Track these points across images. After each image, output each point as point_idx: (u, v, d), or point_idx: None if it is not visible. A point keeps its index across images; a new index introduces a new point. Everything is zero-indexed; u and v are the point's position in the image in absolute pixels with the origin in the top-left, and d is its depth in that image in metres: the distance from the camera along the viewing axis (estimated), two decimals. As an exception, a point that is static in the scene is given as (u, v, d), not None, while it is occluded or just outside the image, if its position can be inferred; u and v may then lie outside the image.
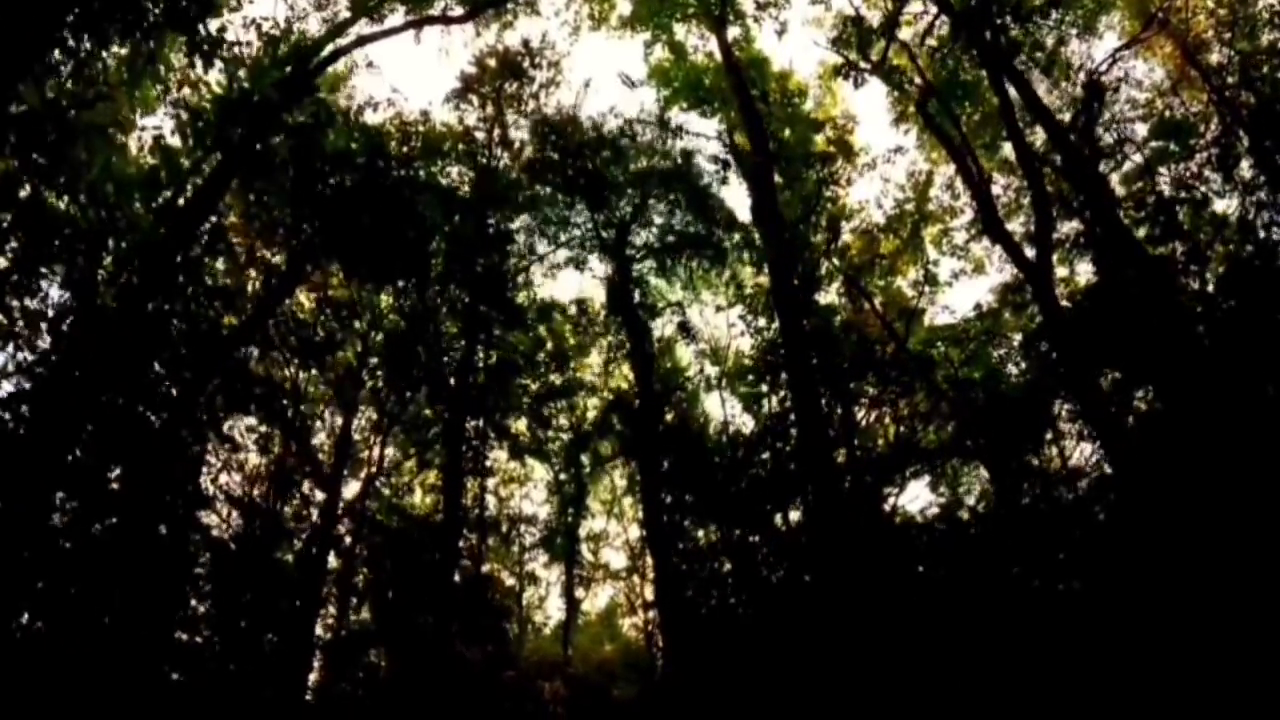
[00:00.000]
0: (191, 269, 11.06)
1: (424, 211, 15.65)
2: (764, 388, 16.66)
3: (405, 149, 17.81)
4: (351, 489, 26.50)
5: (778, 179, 16.08)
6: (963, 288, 77.29)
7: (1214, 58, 23.68)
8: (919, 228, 21.80)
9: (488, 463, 19.56)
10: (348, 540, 24.21)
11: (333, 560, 25.39)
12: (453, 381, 17.78)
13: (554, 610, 28.42)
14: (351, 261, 14.19)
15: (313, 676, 24.03)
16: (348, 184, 13.75)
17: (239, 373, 13.13)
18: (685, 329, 21.45)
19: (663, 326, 25.24)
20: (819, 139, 17.46)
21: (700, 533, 21.80)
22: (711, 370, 26.69)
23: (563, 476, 24.31)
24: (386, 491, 24.43)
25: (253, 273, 13.93)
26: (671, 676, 21.08)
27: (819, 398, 13.32)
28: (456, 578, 21.95)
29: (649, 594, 29.11)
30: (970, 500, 24.75)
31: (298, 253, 13.50)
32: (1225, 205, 22.84)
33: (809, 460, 13.31)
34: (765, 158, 15.26)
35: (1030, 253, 15.07)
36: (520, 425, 20.95)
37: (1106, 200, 14.03)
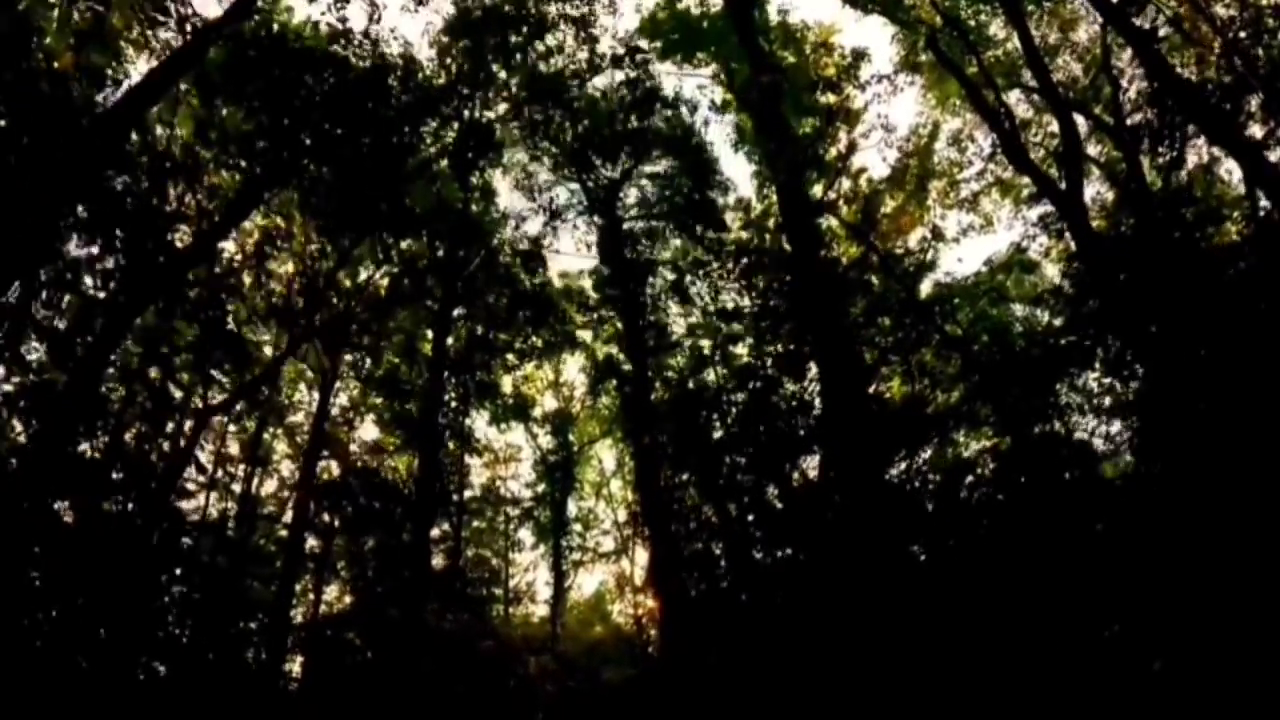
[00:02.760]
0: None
1: (402, 144, 14.34)
2: (766, 327, 15.36)
3: (381, 86, 16.45)
4: (331, 468, 25.17)
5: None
6: (969, 251, 76.14)
7: (1222, 11, 22.87)
8: (924, 182, 20.77)
9: (467, 422, 18.17)
10: (325, 518, 22.82)
11: (312, 541, 24.02)
12: (430, 338, 16.41)
13: (542, 587, 27.02)
14: (316, 192, 12.83)
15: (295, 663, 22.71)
16: (318, 97, 12.44)
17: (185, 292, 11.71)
18: (679, 289, 20.24)
19: (653, 299, 24.07)
20: (828, 66, 16.34)
21: (692, 497, 20.65)
22: (704, 343, 25.60)
23: (550, 444, 22.98)
24: (361, 464, 23.05)
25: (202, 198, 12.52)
26: (665, 659, 19.90)
27: (834, 328, 12.11)
28: (435, 553, 20.57)
29: (639, 580, 27.92)
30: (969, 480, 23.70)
31: (253, 176, 12.13)
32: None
33: (832, 399, 12.06)
34: (771, 73, 14.10)
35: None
36: (505, 384, 19.56)
37: (1161, 61, 12.81)
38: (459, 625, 14.97)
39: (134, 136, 11.78)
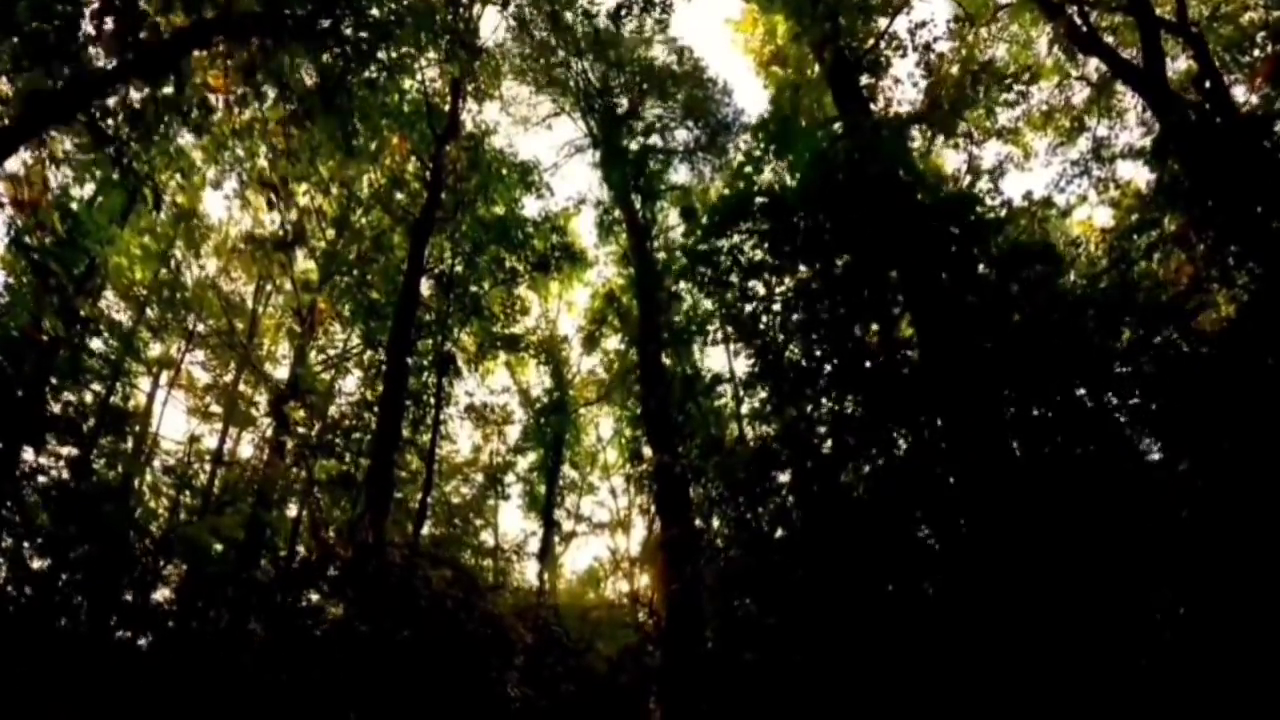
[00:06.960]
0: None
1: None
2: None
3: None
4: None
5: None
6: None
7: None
8: (958, 109, 18.91)
9: (449, 348, 16.03)
10: (304, 475, 20.96)
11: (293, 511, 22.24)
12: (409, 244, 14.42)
13: (531, 552, 24.96)
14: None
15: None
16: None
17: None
18: (688, 215, 18.36)
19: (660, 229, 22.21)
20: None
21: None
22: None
23: (548, 381, 21.08)
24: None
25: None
26: (669, 630, 18.06)
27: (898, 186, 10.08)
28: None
29: (635, 556, 26.00)
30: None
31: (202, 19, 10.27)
32: None
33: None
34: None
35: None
36: (495, 305, 17.50)
37: None
38: (410, 552, 12.85)
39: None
